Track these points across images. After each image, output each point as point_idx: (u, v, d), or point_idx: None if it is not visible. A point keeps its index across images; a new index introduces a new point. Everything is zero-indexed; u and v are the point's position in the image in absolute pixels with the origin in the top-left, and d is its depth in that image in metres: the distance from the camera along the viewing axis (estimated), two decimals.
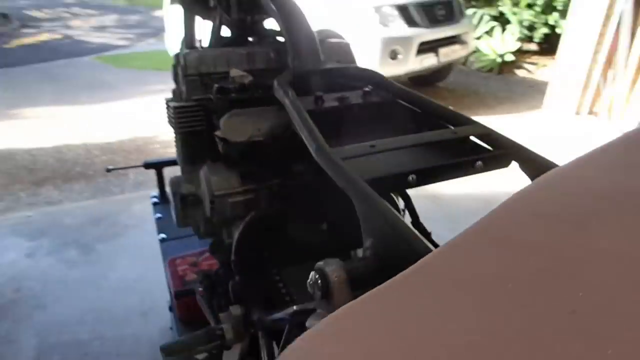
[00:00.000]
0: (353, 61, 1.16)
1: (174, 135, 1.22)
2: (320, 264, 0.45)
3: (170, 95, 1.26)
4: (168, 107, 1.14)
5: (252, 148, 0.98)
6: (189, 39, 1.49)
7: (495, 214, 0.22)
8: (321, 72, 0.87)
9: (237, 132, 0.95)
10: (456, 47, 5.00)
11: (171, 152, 4.25)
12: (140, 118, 5.03)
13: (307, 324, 0.46)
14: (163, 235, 1.74)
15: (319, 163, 0.59)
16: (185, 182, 1.14)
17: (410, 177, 0.56)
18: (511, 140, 0.63)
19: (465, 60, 6.20)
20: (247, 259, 0.91)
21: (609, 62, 4.15)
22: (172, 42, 5.99)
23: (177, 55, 1.16)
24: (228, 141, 0.96)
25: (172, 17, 5.74)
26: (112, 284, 2.41)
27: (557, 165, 0.57)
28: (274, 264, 0.94)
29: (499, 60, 6.14)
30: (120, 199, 3.27)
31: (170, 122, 1.14)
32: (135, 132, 4.62)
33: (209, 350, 0.86)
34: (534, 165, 0.58)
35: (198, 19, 1.46)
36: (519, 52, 6.41)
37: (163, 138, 4.53)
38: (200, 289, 1.08)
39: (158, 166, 1.93)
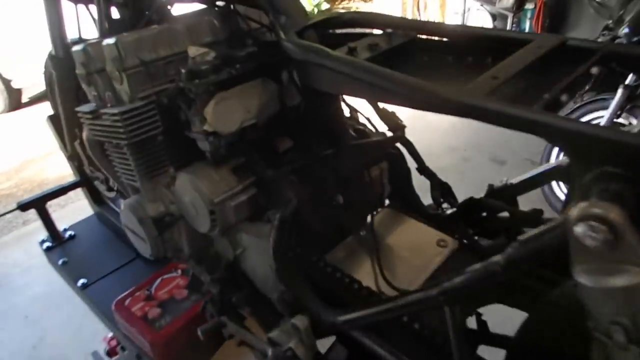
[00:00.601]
0: None
1: (109, 149, 0.95)
2: (586, 208, 0.37)
3: None
4: (97, 117, 0.88)
5: (243, 136, 0.82)
6: (57, 31, 1.16)
7: None
8: (321, 22, 0.74)
9: (227, 119, 0.78)
10: None
11: (8, 187, 3.48)
12: None
13: (582, 279, 0.38)
14: (83, 281, 1.41)
15: (461, 112, 0.50)
16: (150, 202, 0.91)
17: (563, 96, 0.52)
18: (589, 40, 0.62)
19: None
20: (290, 261, 0.77)
21: None
22: None
23: (79, 52, 0.86)
24: (219, 134, 0.78)
25: None
26: None
27: None
28: (315, 255, 0.81)
29: (316, 10, 6.32)
30: None
31: (110, 134, 0.87)
32: None
33: None
34: (622, 55, 0.58)
35: (66, 4, 1.14)
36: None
37: None
38: (222, 318, 0.89)
39: (38, 203, 1.53)
